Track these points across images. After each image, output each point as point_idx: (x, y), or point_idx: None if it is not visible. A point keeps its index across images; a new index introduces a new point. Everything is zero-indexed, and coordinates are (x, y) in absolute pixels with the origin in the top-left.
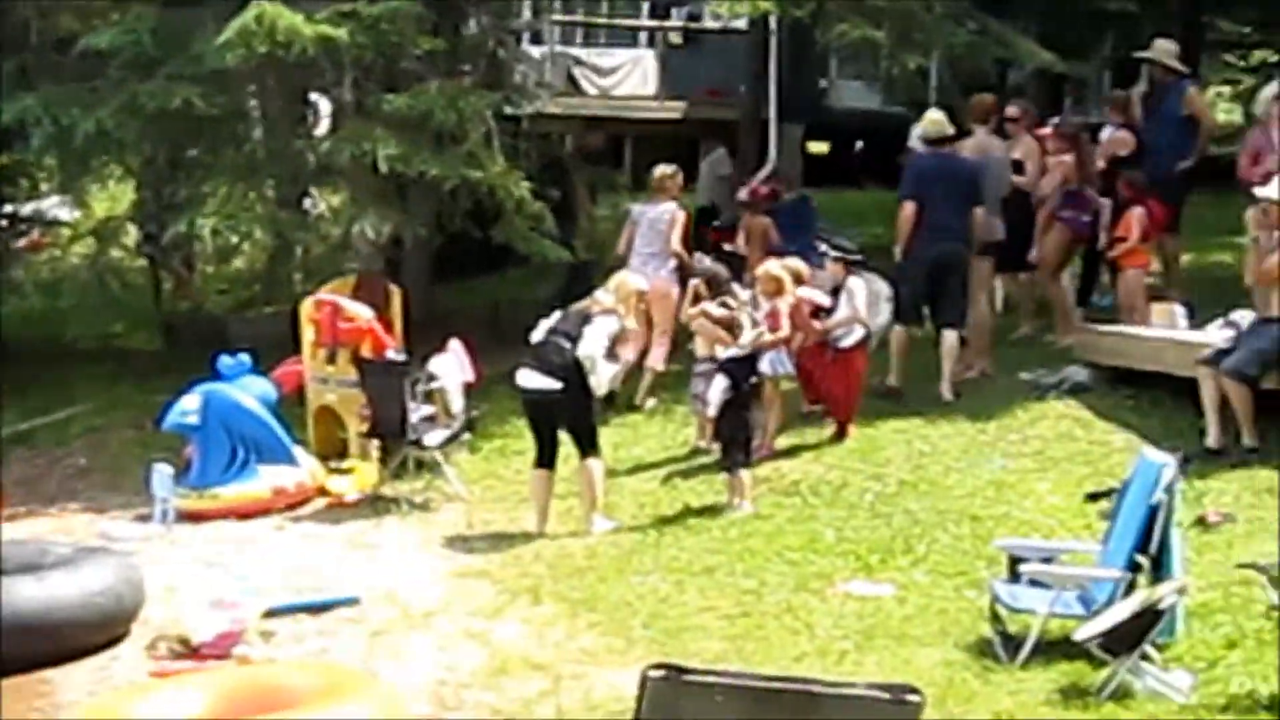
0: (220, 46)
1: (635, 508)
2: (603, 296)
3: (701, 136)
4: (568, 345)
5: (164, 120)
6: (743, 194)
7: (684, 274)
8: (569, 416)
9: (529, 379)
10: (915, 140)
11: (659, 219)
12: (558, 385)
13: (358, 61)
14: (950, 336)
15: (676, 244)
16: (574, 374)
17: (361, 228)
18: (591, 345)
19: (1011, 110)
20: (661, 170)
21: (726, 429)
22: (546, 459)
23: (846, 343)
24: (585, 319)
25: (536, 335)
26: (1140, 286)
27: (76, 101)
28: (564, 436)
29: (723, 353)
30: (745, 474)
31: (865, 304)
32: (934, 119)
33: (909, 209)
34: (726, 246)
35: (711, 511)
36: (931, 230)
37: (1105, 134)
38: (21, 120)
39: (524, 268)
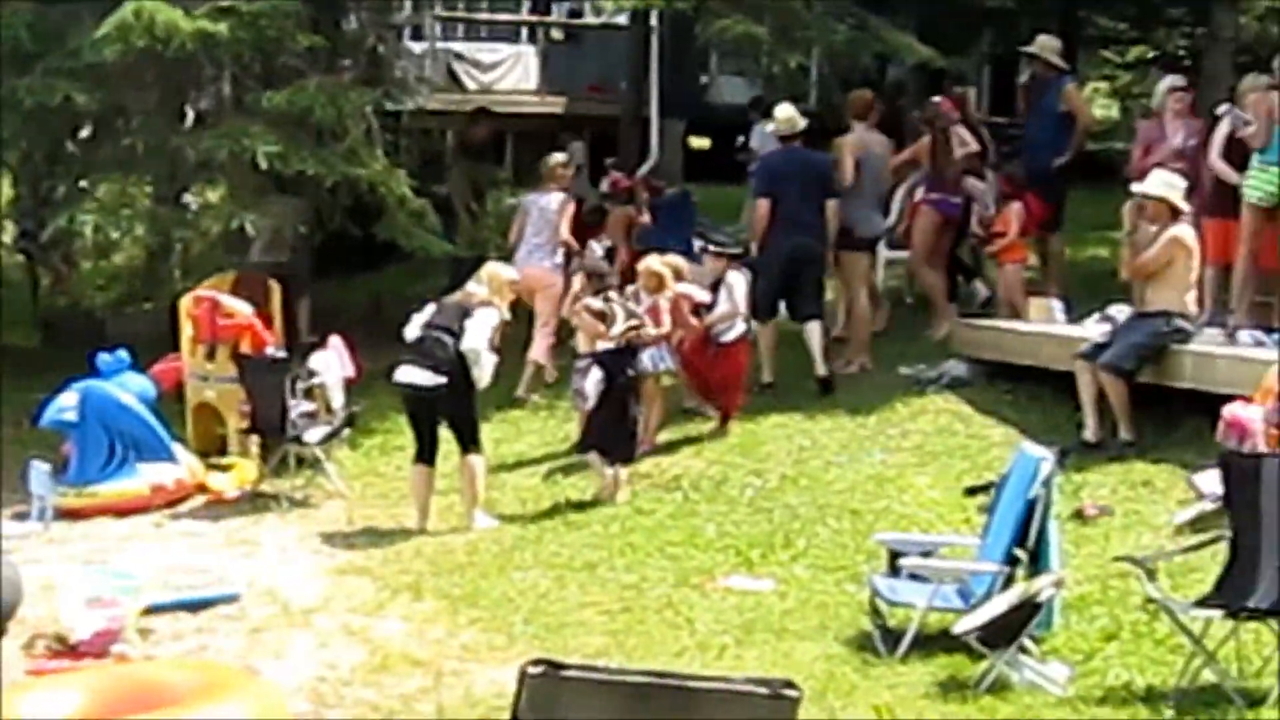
0: (98, 41)
1: (517, 504)
2: (475, 288)
3: (559, 131)
4: (449, 340)
5: (42, 116)
6: (604, 186)
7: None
8: (451, 412)
9: (410, 375)
10: (756, 139)
11: (548, 208)
12: (441, 380)
13: (237, 57)
14: (814, 326)
15: (565, 233)
16: (457, 368)
17: (243, 222)
18: (475, 338)
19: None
20: (553, 159)
21: (602, 423)
22: (426, 455)
23: (727, 338)
24: (465, 312)
25: (412, 331)
26: (1019, 281)
27: None
28: (444, 433)
29: (598, 346)
30: (623, 470)
31: (745, 299)
32: (785, 115)
33: (763, 205)
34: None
35: (593, 507)
36: (785, 225)
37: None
38: None
39: (406, 264)
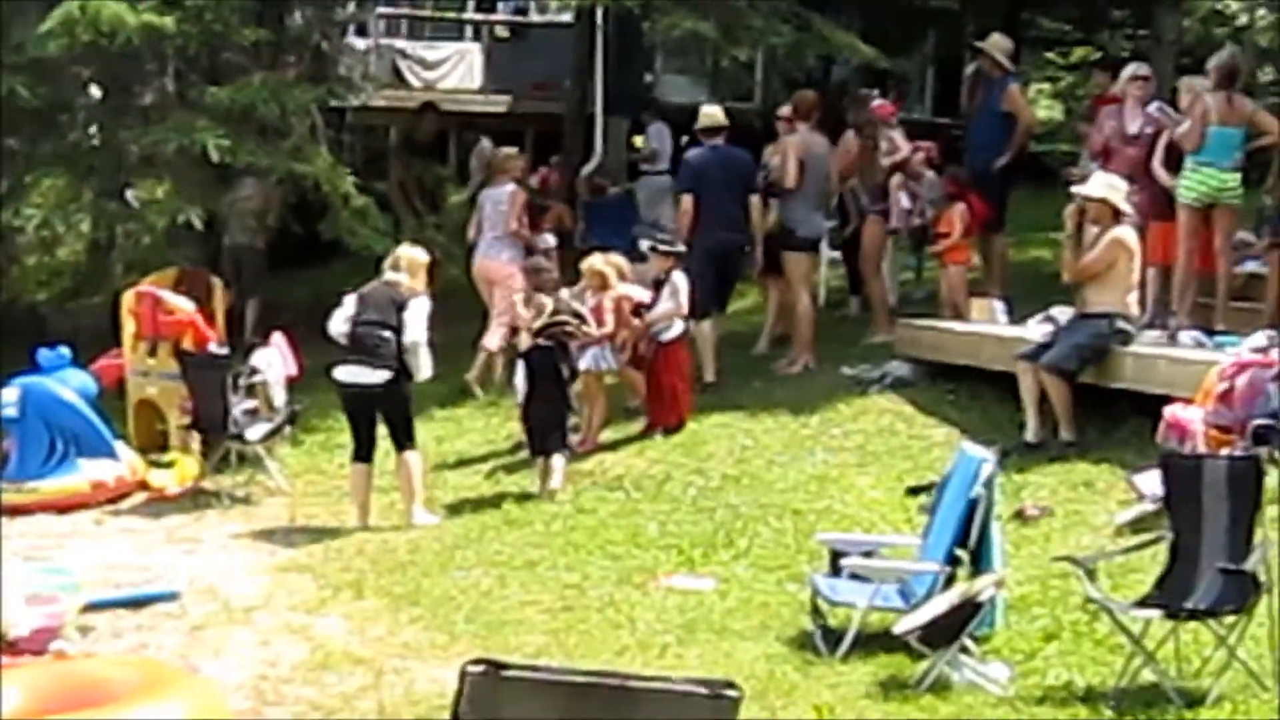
0: (43, 35)
1: (458, 502)
2: (398, 276)
3: (460, 130)
4: (389, 334)
5: None
6: (533, 181)
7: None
8: (391, 408)
9: (353, 374)
10: (654, 139)
11: (500, 200)
12: (386, 376)
13: (181, 52)
14: (706, 324)
15: (514, 224)
16: (399, 364)
17: (189, 217)
18: (417, 330)
19: (785, 111)
20: (503, 151)
21: (536, 416)
22: (365, 453)
23: (666, 337)
24: (398, 304)
25: (338, 327)
26: (962, 282)
27: None
28: (381, 430)
29: (524, 342)
30: (559, 459)
31: (687, 298)
32: (708, 112)
33: (686, 202)
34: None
35: (535, 505)
36: (710, 221)
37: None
38: None
39: (349, 261)
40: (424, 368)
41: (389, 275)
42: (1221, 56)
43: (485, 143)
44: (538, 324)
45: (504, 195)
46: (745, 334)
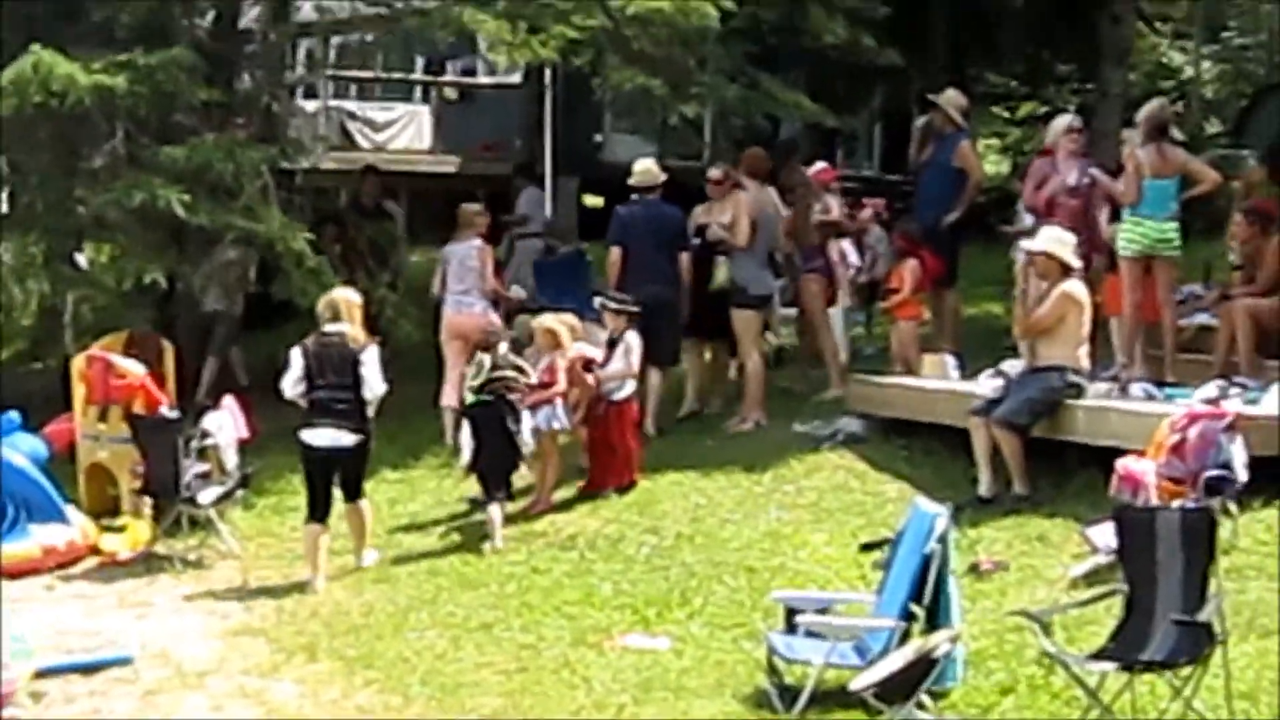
0: None
1: (411, 564)
2: (343, 327)
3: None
4: (349, 395)
5: None
6: None
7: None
8: (355, 467)
9: (323, 437)
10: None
11: (468, 256)
12: (358, 440)
13: (131, 113)
14: (654, 375)
15: (491, 279)
16: (365, 422)
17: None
18: (377, 385)
19: (714, 173)
20: (467, 207)
21: (487, 469)
22: (321, 514)
23: (619, 396)
24: (352, 360)
25: (294, 389)
26: (913, 338)
27: None
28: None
29: (469, 397)
30: (496, 510)
31: (639, 359)
32: (642, 168)
33: (614, 254)
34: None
35: (489, 566)
36: (637, 274)
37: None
38: None
39: (300, 322)
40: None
41: (331, 327)
42: (1150, 108)
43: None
44: (478, 380)
45: (472, 250)
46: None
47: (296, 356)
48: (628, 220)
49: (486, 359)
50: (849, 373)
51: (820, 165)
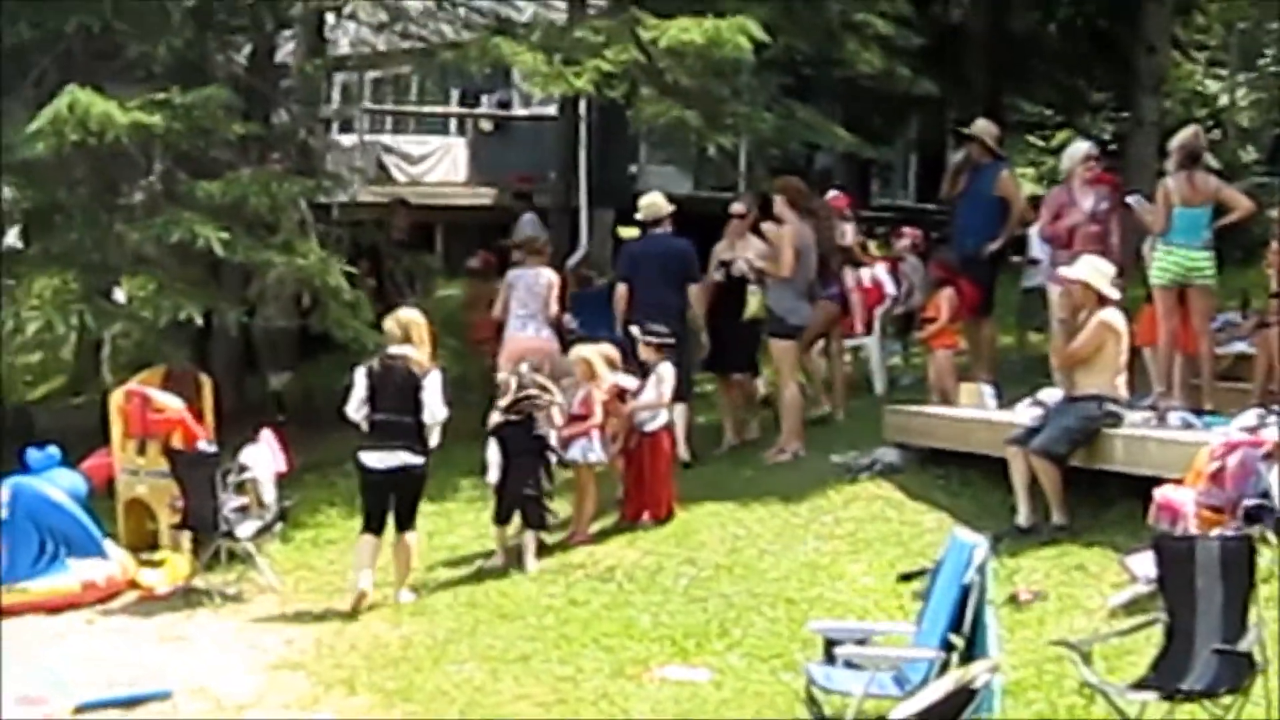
0: (31, 136)
1: (450, 596)
2: (407, 350)
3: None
4: (411, 420)
5: None
6: (473, 262)
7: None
8: (412, 491)
9: (382, 460)
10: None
11: (536, 282)
12: (415, 462)
13: (170, 149)
14: (677, 407)
15: (555, 306)
16: (425, 445)
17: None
18: (438, 409)
19: (737, 208)
20: (534, 236)
21: (513, 490)
22: (376, 528)
23: (651, 427)
24: (415, 384)
25: (358, 411)
26: (949, 367)
27: None
28: None
29: (494, 418)
30: (531, 536)
31: (671, 391)
32: (648, 202)
33: (620, 289)
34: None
35: (527, 598)
36: (644, 309)
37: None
38: None
39: (337, 354)
40: (434, 438)
41: (396, 349)
42: (1183, 136)
43: (528, 217)
44: (505, 400)
45: (540, 277)
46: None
47: (360, 378)
48: (635, 254)
49: (514, 379)
50: (886, 403)
51: (833, 193)
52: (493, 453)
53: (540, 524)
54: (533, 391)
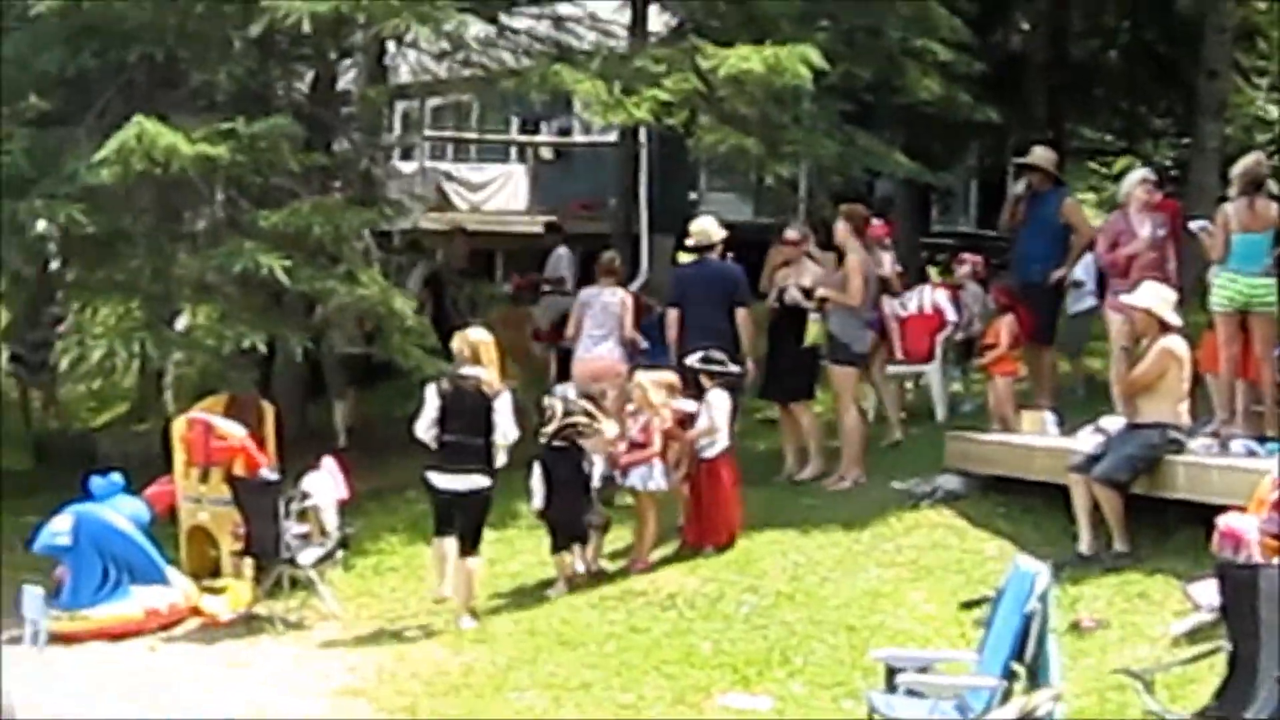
0: (97, 164)
1: (511, 623)
2: (477, 371)
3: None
4: (480, 441)
5: (44, 240)
6: (506, 287)
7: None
8: (478, 513)
9: (449, 481)
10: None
11: (611, 303)
12: (481, 484)
13: (233, 179)
14: None
15: (630, 327)
16: (490, 469)
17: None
18: (508, 430)
19: (791, 234)
20: (609, 255)
21: (559, 517)
22: (447, 533)
23: (709, 453)
24: (485, 406)
25: (428, 432)
26: (1009, 394)
27: None
28: None
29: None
30: (568, 556)
31: (727, 416)
32: (698, 228)
33: (672, 314)
34: None
35: (588, 626)
36: (693, 332)
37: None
38: None
39: (398, 381)
40: (501, 458)
41: (467, 370)
42: (1245, 163)
43: (562, 252)
44: (551, 427)
45: (615, 297)
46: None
47: (432, 397)
48: (685, 279)
49: (559, 405)
50: (947, 430)
51: (875, 222)
52: (537, 480)
53: (582, 537)
54: (578, 419)
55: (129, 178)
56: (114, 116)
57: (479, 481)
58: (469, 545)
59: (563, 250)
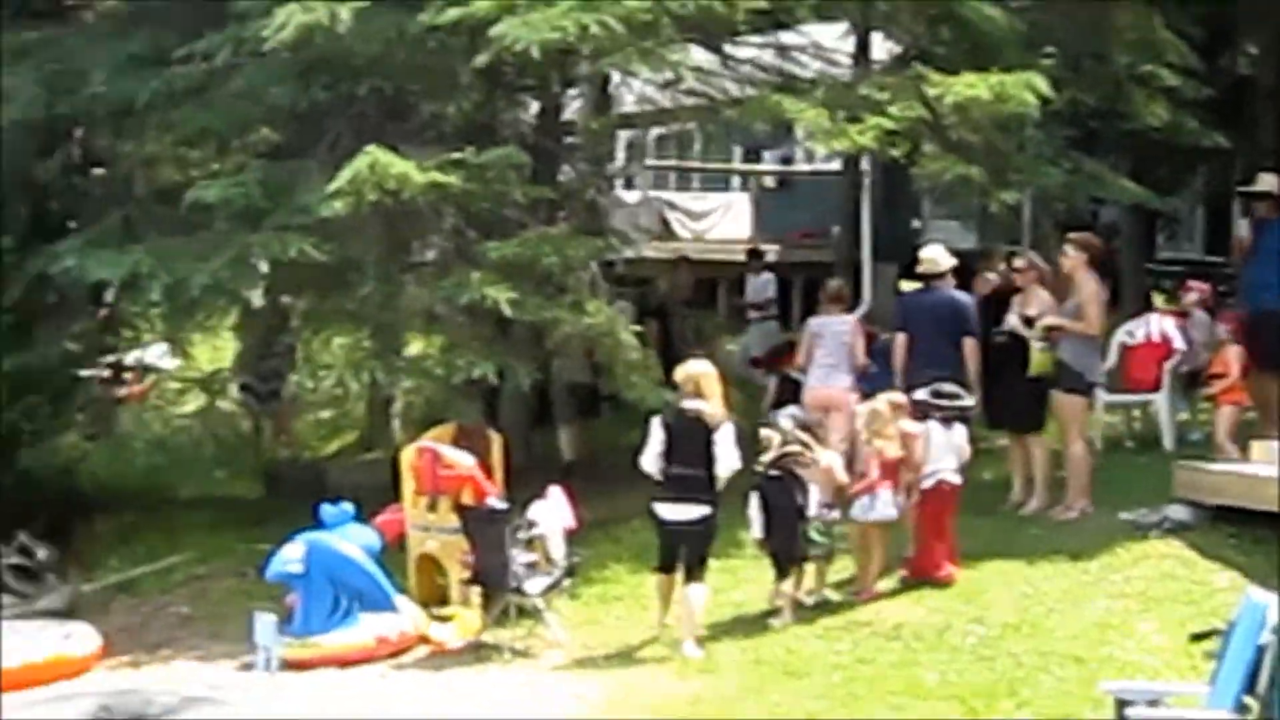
0: (330, 195)
1: (737, 652)
2: (699, 404)
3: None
4: (703, 473)
5: (276, 272)
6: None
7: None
8: (701, 543)
9: (673, 511)
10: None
11: (842, 331)
12: (704, 514)
13: (463, 209)
14: None
15: (861, 355)
16: (715, 497)
17: (486, 373)
18: (730, 461)
19: (1019, 263)
20: (837, 283)
21: (778, 546)
22: (670, 568)
23: (929, 483)
24: (705, 439)
25: (653, 464)
26: (1237, 423)
27: (186, 254)
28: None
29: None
30: (788, 585)
31: (948, 449)
32: (927, 256)
33: (899, 340)
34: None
35: (814, 656)
36: (919, 361)
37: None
38: (133, 273)
39: (624, 411)
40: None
41: (690, 403)
42: None
43: (766, 277)
44: (768, 456)
45: (846, 325)
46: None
47: (657, 430)
48: (911, 307)
49: (776, 435)
50: (1175, 460)
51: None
52: (755, 509)
53: (795, 558)
54: (795, 448)
55: (361, 208)
56: (344, 149)
57: (703, 511)
58: (694, 574)
59: (766, 275)
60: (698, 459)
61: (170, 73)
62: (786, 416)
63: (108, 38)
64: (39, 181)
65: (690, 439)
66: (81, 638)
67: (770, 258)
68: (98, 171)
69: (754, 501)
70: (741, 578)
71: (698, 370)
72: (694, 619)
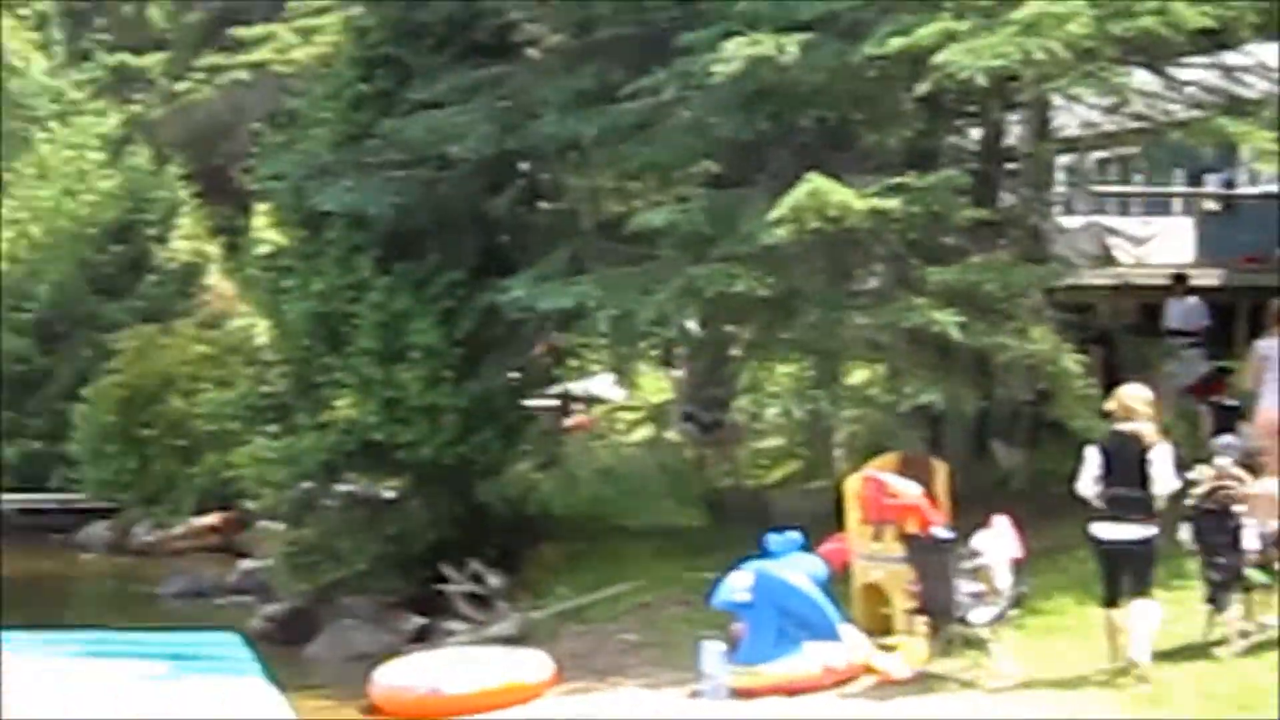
0: (771, 223)
1: (1189, 683)
2: (1135, 426)
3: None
4: (1139, 494)
5: (719, 302)
6: None
7: None
8: (1143, 562)
9: (1111, 531)
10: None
11: None
12: (1143, 534)
13: (904, 235)
14: None
15: None
16: (1153, 517)
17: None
18: (1165, 484)
19: None
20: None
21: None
22: (1113, 601)
23: None
24: (1141, 459)
25: (1089, 487)
26: None
27: (633, 286)
28: None
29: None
30: (1233, 613)
31: None
32: None
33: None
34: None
35: (1268, 690)
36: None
37: None
38: (580, 305)
39: (1070, 438)
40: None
41: (1124, 426)
42: None
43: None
44: (1201, 489)
45: None
46: None
47: (1093, 454)
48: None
49: (1209, 469)
50: None
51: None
52: (1185, 536)
53: (1224, 606)
54: (1228, 482)
55: (802, 235)
56: (785, 178)
57: (1140, 532)
58: (1138, 590)
59: (1193, 300)
60: (1134, 480)
61: (617, 108)
62: (1226, 446)
63: (556, 75)
64: (489, 216)
65: (1126, 460)
66: (535, 665)
67: (1213, 282)
68: (545, 206)
69: (1185, 532)
70: (1186, 608)
71: (1127, 394)
72: (1143, 635)
